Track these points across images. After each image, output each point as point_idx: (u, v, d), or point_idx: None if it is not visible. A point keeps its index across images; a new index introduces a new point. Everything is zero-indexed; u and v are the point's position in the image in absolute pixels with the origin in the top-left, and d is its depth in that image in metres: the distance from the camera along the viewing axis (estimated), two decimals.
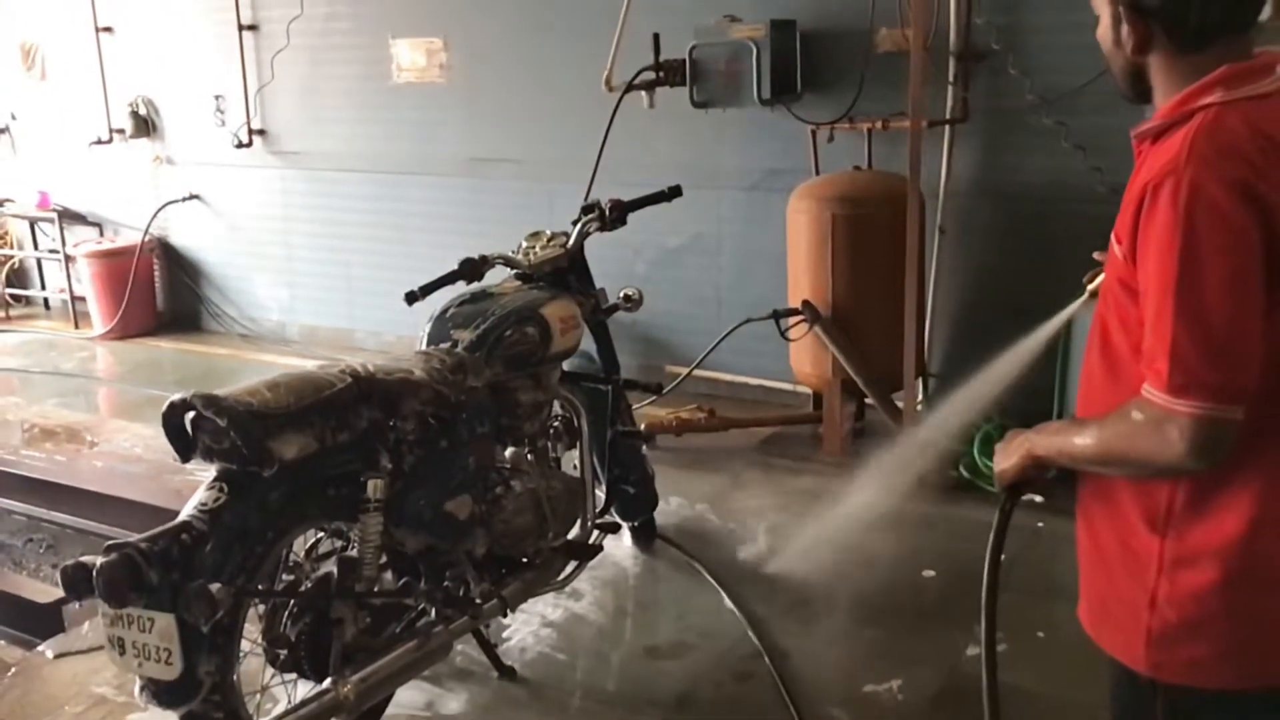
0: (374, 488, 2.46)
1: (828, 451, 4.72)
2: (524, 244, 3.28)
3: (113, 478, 4.82)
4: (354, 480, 2.47)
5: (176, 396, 2.24)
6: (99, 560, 2.07)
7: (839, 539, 3.18)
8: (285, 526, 2.35)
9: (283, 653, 2.41)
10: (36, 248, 7.93)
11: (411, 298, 3.06)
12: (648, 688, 3.06)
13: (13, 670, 3.22)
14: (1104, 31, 1.53)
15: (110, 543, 2.10)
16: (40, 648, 3.35)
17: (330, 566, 2.49)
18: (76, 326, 7.41)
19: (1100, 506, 1.59)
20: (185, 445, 2.30)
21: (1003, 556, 1.77)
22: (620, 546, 3.83)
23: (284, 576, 2.51)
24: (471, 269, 3.11)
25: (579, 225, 3.30)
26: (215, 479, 2.29)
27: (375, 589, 2.53)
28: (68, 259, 7.40)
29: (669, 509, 4.10)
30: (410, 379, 2.57)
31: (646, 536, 3.84)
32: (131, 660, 2.13)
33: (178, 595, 2.07)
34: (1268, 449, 1.42)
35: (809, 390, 5.03)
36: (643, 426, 4.68)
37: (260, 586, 2.35)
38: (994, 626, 1.76)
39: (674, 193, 3.36)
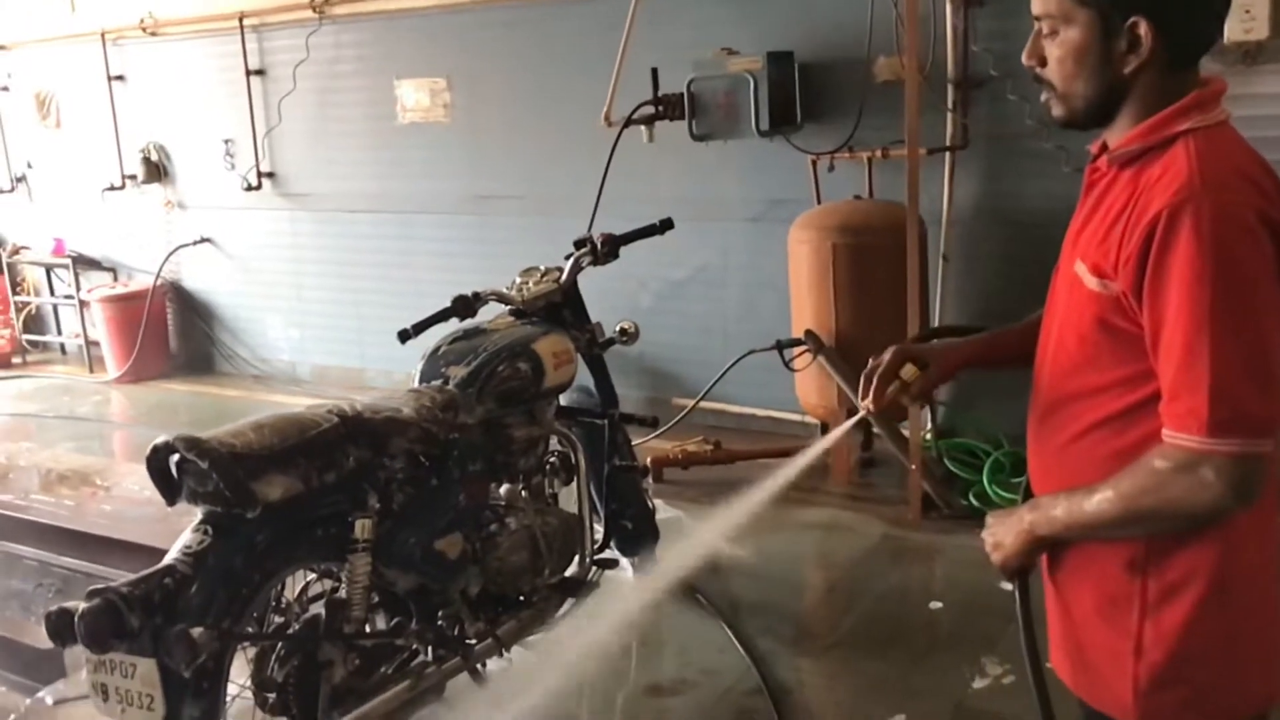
0: (362, 528, 2.44)
1: (835, 482, 4.67)
2: (518, 280, 3.27)
3: (121, 521, 4.82)
4: (342, 520, 2.46)
5: (160, 440, 2.24)
6: (80, 606, 2.06)
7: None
8: (272, 568, 2.34)
9: (271, 696, 2.39)
10: (52, 294, 8.02)
11: (404, 335, 3.06)
12: None
13: (11, 717, 3.21)
14: (1076, 50, 1.42)
15: (92, 588, 2.09)
16: (41, 694, 3.34)
17: (319, 608, 2.48)
18: (91, 371, 7.47)
19: (1068, 559, 1.53)
20: (171, 488, 2.30)
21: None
22: (622, 582, 3.79)
23: (274, 618, 2.49)
24: (464, 306, 3.10)
25: (571, 260, 3.29)
26: (200, 521, 2.28)
27: (365, 630, 2.51)
28: (82, 304, 7.47)
29: (674, 543, 4.05)
30: (397, 418, 2.56)
31: (649, 571, 3.80)
32: (115, 706, 2.12)
33: (159, 640, 2.06)
34: None
35: (816, 421, 4.99)
36: (648, 460, 4.67)
37: (248, 629, 2.33)
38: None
39: (665, 225, 3.36)
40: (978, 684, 3.10)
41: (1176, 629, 1.42)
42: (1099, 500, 1.39)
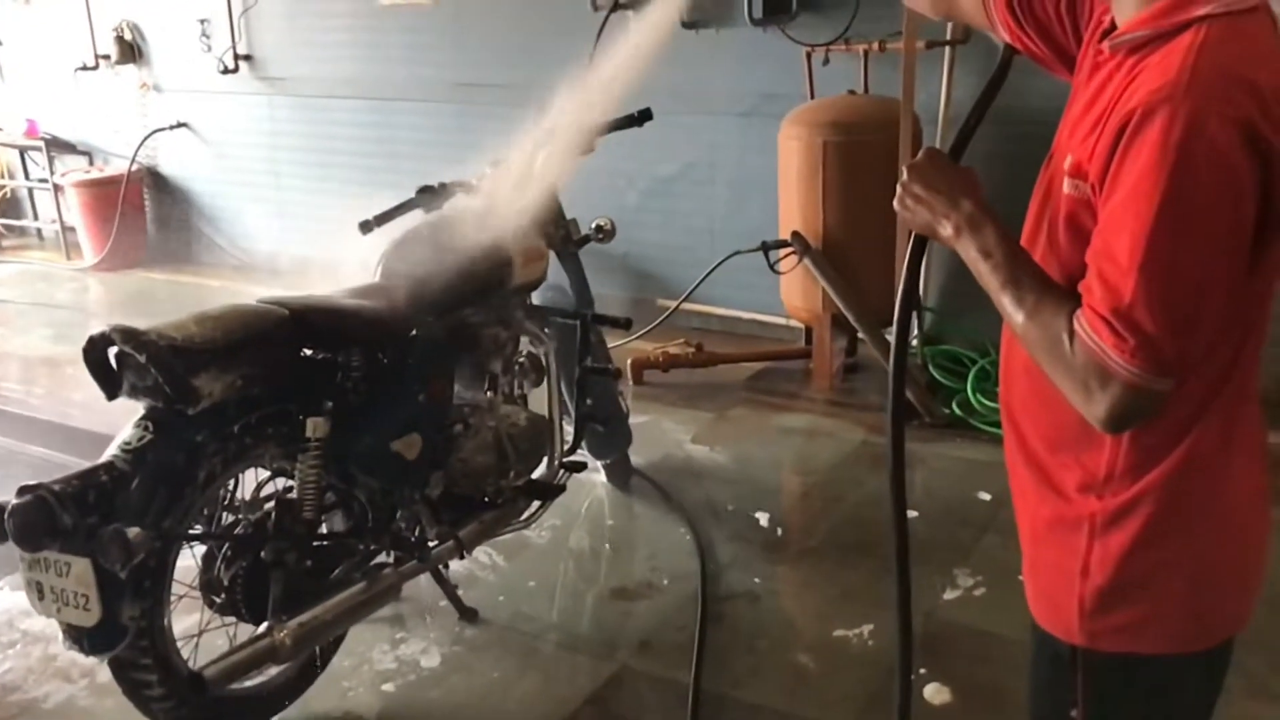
0: (313, 427, 2.35)
1: (817, 387, 4.59)
2: (487, 172, 3.13)
3: (92, 412, 4.74)
4: (294, 419, 2.36)
5: (96, 331, 2.13)
6: (11, 502, 1.98)
7: None
8: (219, 467, 2.25)
9: (219, 597, 2.33)
10: (27, 177, 7.80)
11: (366, 227, 2.94)
12: (611, 630, 2.98)
13: None
14: None
15: (23, 484, 2.01)
16: None
17: (270, 508, 2.40)
18: (68, 257, 7.30)
19: (1030, 474, 1.45)
20: (111, 382, 2.20)
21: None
22: (596, 485, 3.73)
23: (226, 517, 2.42)
24: (429, 197, 2.97)
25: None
26: (142, 417, 2.19)
27: (318, 530, 2.44)
28: (57, 189, 7.27)
29: (650, 446, 3.99)
30: (352, 312, 2.45)
31: (622, 474, 3.74)
32: (51, 605, 2.05)
33: (94, 539, 1.98)
34: (1211, 410, 1.28)
35: (801, 325, 4.89)
36: (629, 362, 4.58)
37: (194, 528, 2.26)
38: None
39: (644, 116, 3.21)
40: (948, 595, 3.06)
41: (1123, 551, 1.35)
42: (1014, 304, 1.31)
